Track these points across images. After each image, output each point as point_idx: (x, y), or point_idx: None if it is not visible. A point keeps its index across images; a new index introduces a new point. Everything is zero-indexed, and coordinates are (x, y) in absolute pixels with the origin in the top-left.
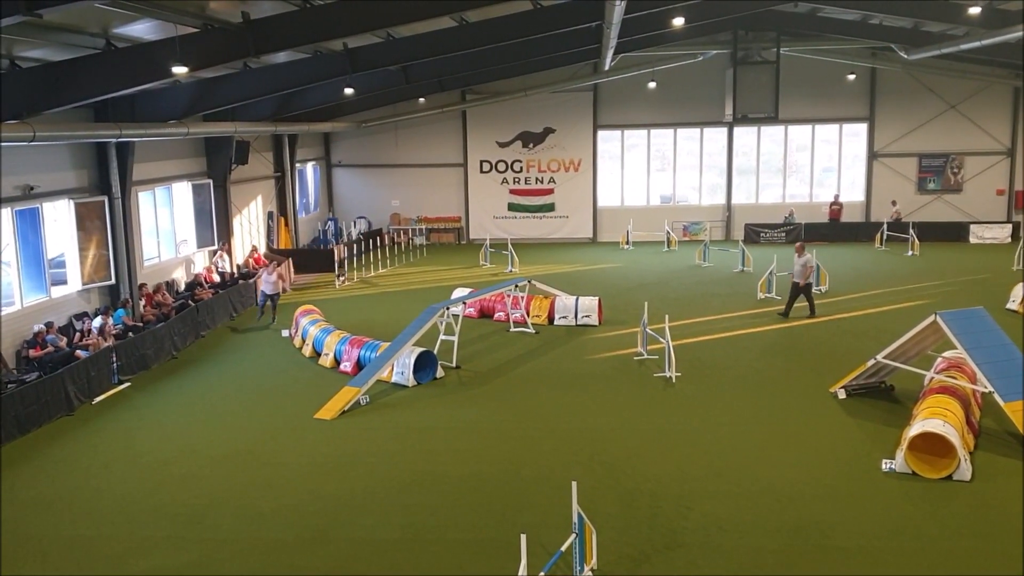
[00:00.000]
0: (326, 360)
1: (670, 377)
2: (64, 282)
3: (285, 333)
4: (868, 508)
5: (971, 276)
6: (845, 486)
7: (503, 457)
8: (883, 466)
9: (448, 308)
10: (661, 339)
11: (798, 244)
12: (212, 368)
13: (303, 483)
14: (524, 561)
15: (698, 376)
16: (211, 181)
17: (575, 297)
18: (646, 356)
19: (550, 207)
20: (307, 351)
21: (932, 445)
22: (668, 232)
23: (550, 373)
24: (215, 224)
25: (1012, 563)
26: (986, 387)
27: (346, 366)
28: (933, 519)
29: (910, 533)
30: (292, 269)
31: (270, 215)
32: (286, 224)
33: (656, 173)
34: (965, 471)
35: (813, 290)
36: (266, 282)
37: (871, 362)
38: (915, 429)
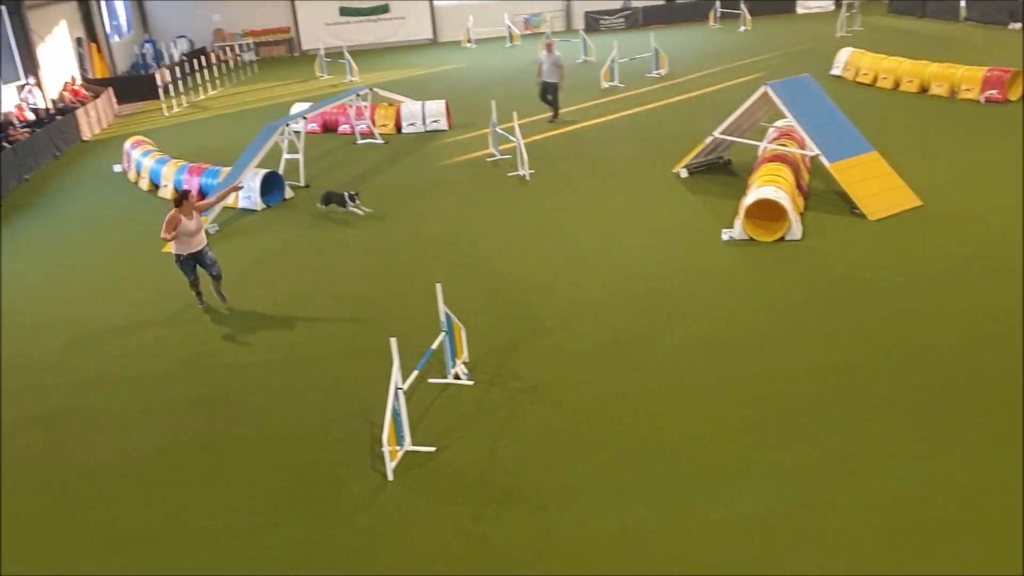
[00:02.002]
0: (166, 192)
1: (524, 175)
2: None
3: (117, 168)
4: (711, 276)
5: (799, 46)
6: (690, 259)
7: (365, 271)
8: (723, 236)
9: (288, 125)
10: (512, 138)
11: (547, 41)
12: (43, 212)
13: (162, 317)
14: (396, 363)
15: (551, 171)
16: (3, 8)
17: (421, 102)
18: (499, 156)
19: (384, 8)
20: (144, 184)
21: (766, 211)
22: (509, 27)
23: (404, 183)
24: (17, 56)
25: (838, 308)
26: (813, 151)
27: None
28: (769, 278)
29: (749, 294)
30: (114, 99)
31: (79, 41)
32: (99, 50)
33: None
34: (796, 231)
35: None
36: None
37: (709, 139)
38: (750, 197)
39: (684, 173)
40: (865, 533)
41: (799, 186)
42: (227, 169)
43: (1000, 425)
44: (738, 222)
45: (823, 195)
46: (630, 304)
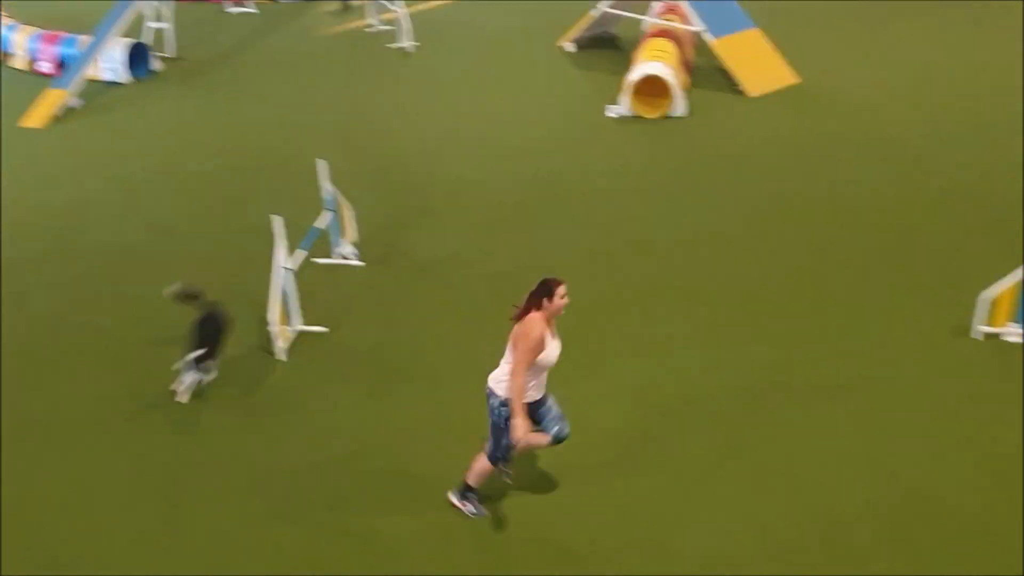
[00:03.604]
0: (18, 61)
1: (406, 47)
2: None
3: None
4: (597, 152)
5: None
6: (577, 135)
7: (244, 148)
8: (609, 112)
9: None
10: (393, 7)
11: None
12: None
13: (26, 197)
14: (282, 241)
15: (434, 43)
16: None
17: None
18: (379, 27)
19: None
20: None
21: (652, 87)
22: None
23: (280, 55)
24: None
25: (717, 185)
26: (698, 26)
27: (45, 66)
28: (655, 153)
29: (634, 170)
30: None
31: None
32: None
33: None
34: (680, 108)
35: None
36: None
37: (596, 12)
38: (636, 73)
39: (571, 47)
40: (737, 396)
41: (684, 62)
42: (87, 37)
43: (865, 295)
44: (625, 99)
45: (706, 71)
46: (517, 182)
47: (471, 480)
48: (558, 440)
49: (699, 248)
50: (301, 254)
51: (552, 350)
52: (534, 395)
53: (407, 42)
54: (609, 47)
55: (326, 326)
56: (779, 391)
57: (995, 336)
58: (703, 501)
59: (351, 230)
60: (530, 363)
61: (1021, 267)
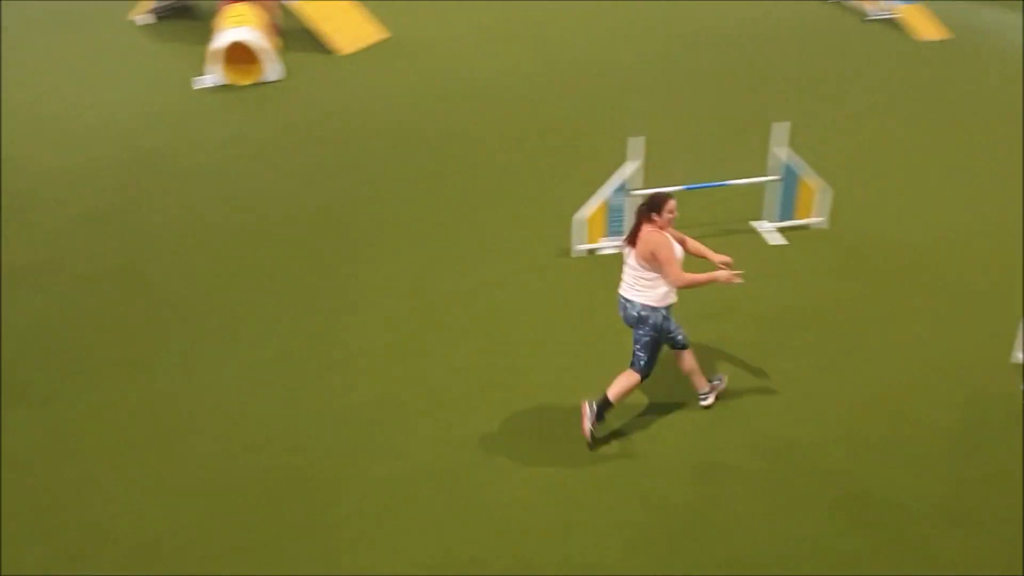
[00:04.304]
0: None
1: None
2: None
3: None
4: (194, 126)
5: None
6: (169, 111)
7: None
8: (199, 83)
9: None
10: None
11: None
12: None
13: None
14: None
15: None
16: None
17: None
18: None
19: None
20: None
21: (243, 53)
22: None
23: None
24: None
25: (315, 144)
26: None
27: None
28: (254, 119)
29: (237, 135)
30: None
31: None
32: None
33: None
34: (275, 72)
35: None
36: None
37: None
38: (221, 41)
39: (145, 20)
40: (384, 351)
41: (272, 25)
42: None
43: (478, 230)
44: (215, 68)
45: (299, 34)
46: (111, 167)
47: (613, 396)
48: (685, 345)
49: (311, 212)
50: None
51: (679, 250)
52: (673, 299)
53: None
54: (187, 17)
55: None
56: (422, 332)
57: (593, 251)
58: None
59: None
60: (677, 264)
61: (602, 188)
